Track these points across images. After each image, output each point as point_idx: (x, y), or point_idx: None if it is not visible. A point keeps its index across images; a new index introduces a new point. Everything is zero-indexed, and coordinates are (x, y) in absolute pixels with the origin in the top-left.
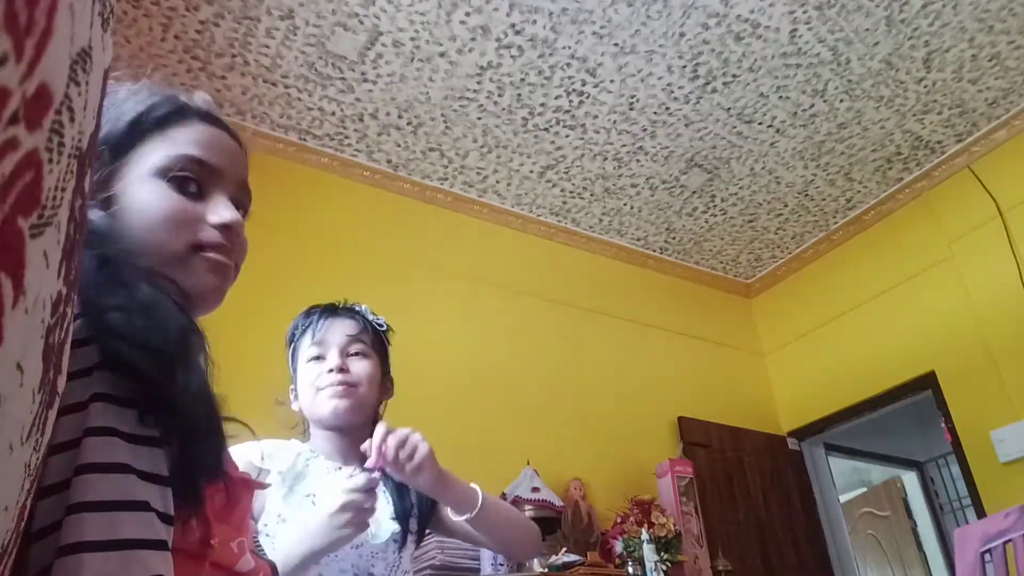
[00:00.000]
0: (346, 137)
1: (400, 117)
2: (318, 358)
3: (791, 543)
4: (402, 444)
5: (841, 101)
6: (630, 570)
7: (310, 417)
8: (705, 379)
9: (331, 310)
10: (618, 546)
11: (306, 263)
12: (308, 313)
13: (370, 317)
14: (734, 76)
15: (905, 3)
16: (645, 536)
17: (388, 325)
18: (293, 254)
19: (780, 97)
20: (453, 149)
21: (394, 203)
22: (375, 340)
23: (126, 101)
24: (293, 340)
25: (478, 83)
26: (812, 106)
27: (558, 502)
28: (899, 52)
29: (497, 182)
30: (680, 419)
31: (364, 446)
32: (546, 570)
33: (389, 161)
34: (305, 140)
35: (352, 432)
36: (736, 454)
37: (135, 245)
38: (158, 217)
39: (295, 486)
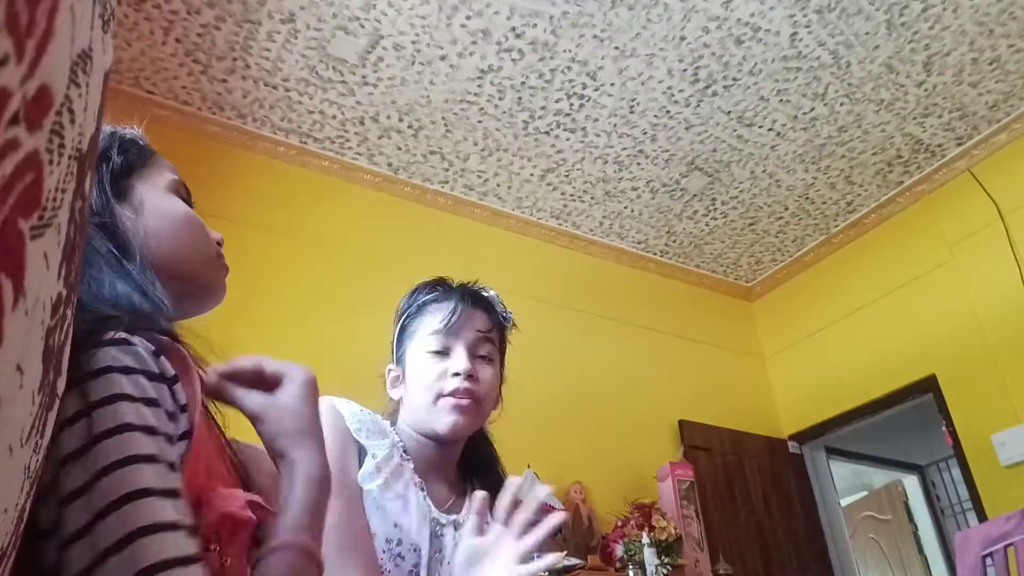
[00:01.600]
0: (347, 140)
1: (401, 120)
2: (441, 353)
3: (792, 547)
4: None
5: (841, 104)
6: (631, 574)
7: (414, 419)
8: (706, 382)
9: (462, 294)
10: (619, 550)
11: (306, 266)
12: (433, 288)
13: (499, 308)
14: (734, 79)
15: (905, 7)
16: (646, 540)
17: (513, 320)
18: (293, 257)
19: (780, 100)
20: (454, 152)
21: (394, 206)
22: (501, 339)
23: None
24: (407, 316)
25: (479, 86)
26: (812, 109)
27: (559, 505)
28: (899, 55)
29: (498, 185)
30: (681, 422)
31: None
32: (546, 574)
33: (390, 164)
34: (306, 143)
35: (449, 446)
36: (737, 457)
37: (169, 256)
38: (186, 225)
39: (387, 486)
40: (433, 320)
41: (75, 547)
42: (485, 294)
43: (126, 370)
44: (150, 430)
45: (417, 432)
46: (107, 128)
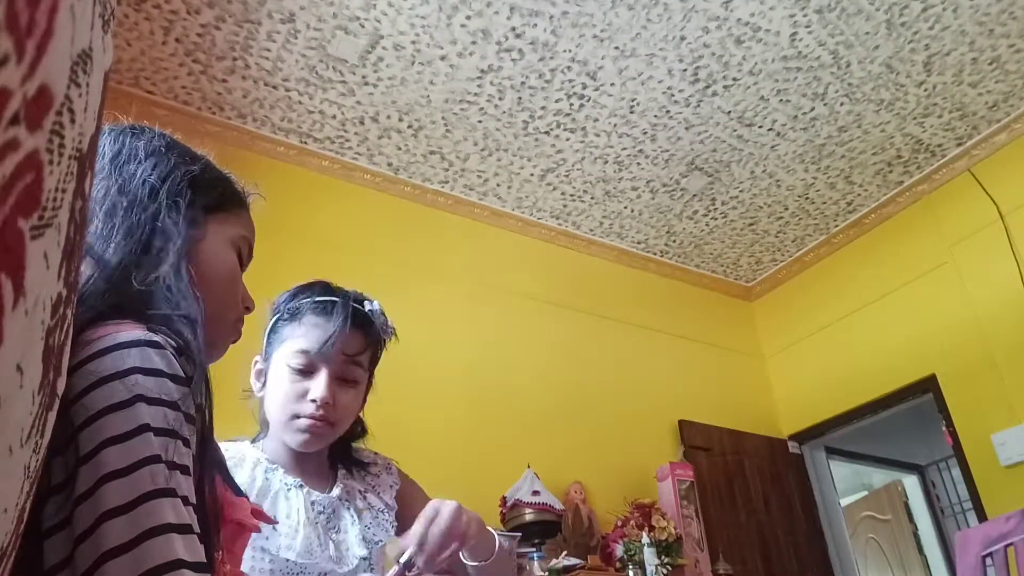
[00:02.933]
0: (347, 140)
1: (401, 120)
2: (304, 372)
3: (792, 547)
4: (444, 547)
5: (841, 104)
6: (631, 574)
7: (273, 427)
8: (706, 382)
9: (343, 317)
10: (619, 549)
11: (306, 266)
12: (315, 300)
13: (378, 325)
14: (734, 79)
15: (905, 7)
16: (646, 539)
17: (394, 331)
18: (293, 257)
19: (780, 100)
20: (454, 152)
21: (394, 206)
22: (372, 357)
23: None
24: (280, 319)
25: (479, 86)
26: (812, 109)
27: (559, 505)
28: (899, 55)
29: (497, 185)
30: (681, 422)
31: (402, 547)
32: (546, 574)
33: (390, 164)
34: (306, 143)
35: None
36: (737, 457)
37: (205, 298)
38: (227, 284)
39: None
40: (304, 336)
41: (81, 546)
42: (368, 310)
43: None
44: (172, 433)
45: (276, 437)
46: (209, 158)
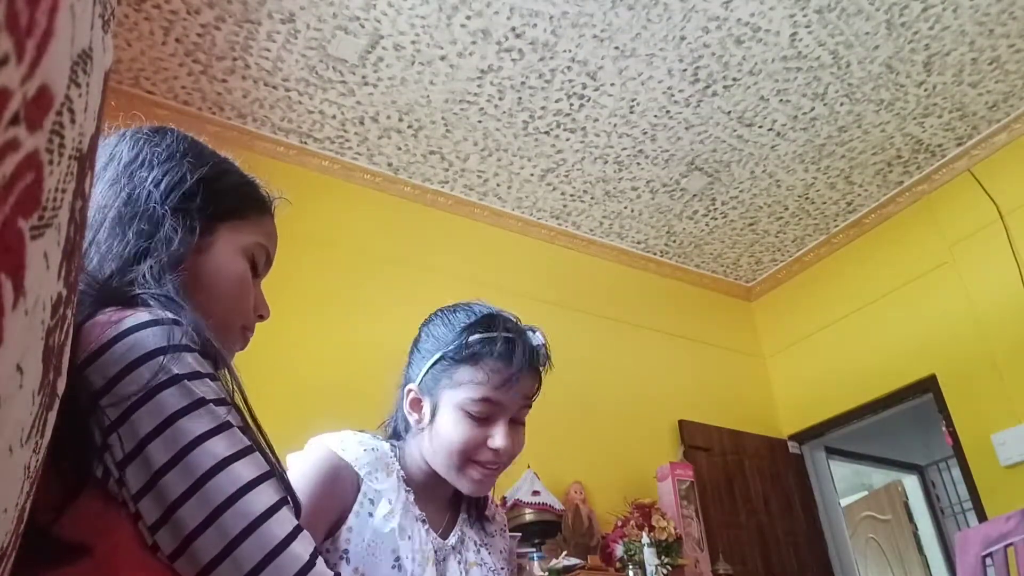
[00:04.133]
0: (347, 140)
1: (401, 120)
2: (480, 419)
3: (792, 547)
4: None
5: (841, 104)
6: (631, 574)
7: (432, 460)
8: (706, 382)
9: (523, 357)
10: (619, 549)
11: (306, 266)
12: (489, 336)
13: (544, 358)
14: (734, 79)
15: (905, 7)
16: (646, 540)
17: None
18: (293, 257)
19: (780, 100)
20: (454, 152)
21: (394, 206)
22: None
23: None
24: (450, 357)
25: (479, 86)
26: (812, 109)
27: (558, 505)
28: (899, 55)
29: (498, 185)
30: (681, 422)
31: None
32: (546, 574)
33: (390, 164)
34: (306, 143)
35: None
36: (737, 457)
37: (203, 308)
38: (233, 292)
39: (403, 519)
40: (486, 383)
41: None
42: (537, 344)
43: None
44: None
45: (428, 467)
46: (231, 163)
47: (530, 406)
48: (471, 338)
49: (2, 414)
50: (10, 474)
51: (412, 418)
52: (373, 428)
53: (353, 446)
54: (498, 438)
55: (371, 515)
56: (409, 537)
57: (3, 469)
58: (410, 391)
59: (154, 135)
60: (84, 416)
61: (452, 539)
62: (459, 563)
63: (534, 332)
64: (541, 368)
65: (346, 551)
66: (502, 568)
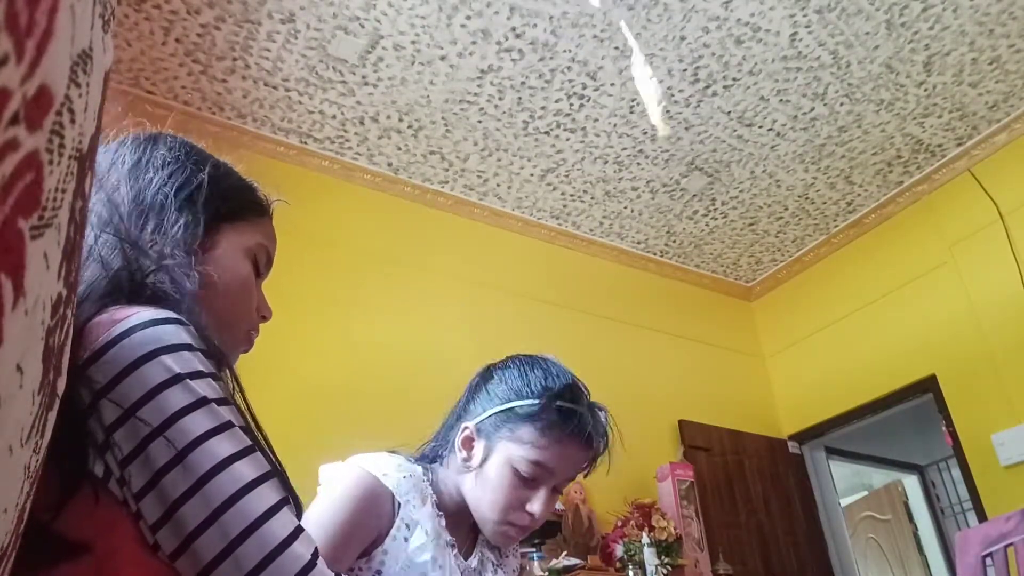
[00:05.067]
0: (347, 140)
1: (401, 120)
2: (528, 480)
3: (792, 547)
4: None
5: (841, 104)
6: (631, 574)
7: (469, 498)
8: (706, 382)
9: (594, 444)
10: (619, 550)
11: (306, 266)
12: (571, 410)
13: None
14: (734, 80)
15: (905, 7)
16: (646, 540)
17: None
18: (293, 257)
19: (780, 100)
20: (454, 152)
21: (394, 206)
22: None
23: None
24: (521, 409)
25: (479, 86)
26: (812, 109)
27: (559, 505)
28: (899, 56)
29: (498, 185)
30: (681, 422)
31: None
32: (546, 574)
33: (390, 164)
34: (306, 143)
35: None
36: (737, 457)
37: (209, 308)
38: (239, 293)
39: (435, 548)
40: (544, 447)
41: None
42: (602, 424)
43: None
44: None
45: (461, 498)
46: (232, 164)
47: (574, 479)
48: (549, 405)
49: (2, 414)
50: (10, 474)
51: (460, 455)
52: (372, 428)
53: (392, 471)
54: (537, 504)
55: (407, 540)
56: (441, 567)
57: (3, 469)
58: (465, 428)
59: (154, 139)
60: (86, 415)
61: (473, 561)
62: None
63: (602, 411)
64: (597, 449)
65: (379, 572)
66: None
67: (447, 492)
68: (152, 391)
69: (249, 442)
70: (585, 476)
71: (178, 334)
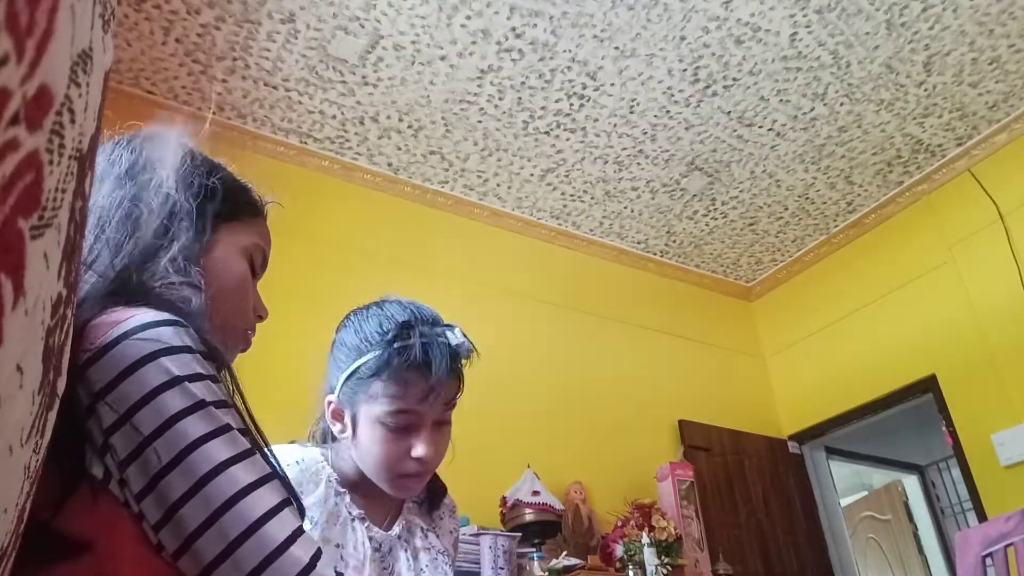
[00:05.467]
0: (347, 140)
1: (401, 120)
2: (402, 429)
3: (792, 547)
4: None
5: (841, 104)
6: (631, 574)
7: (361, 462)
8: (706, 382)
9: (440, 365)
10: (619, 550)
11: (306, 266)
12: (404, 346)
13: (466, 356)
14: (734, 79)
15: (905, 7)
16: (646, 540)
17: (476, 350)
18: (293, 257)
19: (780, 100)
20: (453, 152)
21: (394, 206)
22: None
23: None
24: (363, 367)
25: (479, 86)
26: (812, 109)
27: (559, 505)
28: (899, 56)
29: (497, 185)
30: (681, 422)
31: None
32: (546, 574)
33: (390, 164)
34: (306, 143)
35: None
36: (737, 457)
37: (213, 304)
38: (236, 292)
39: (327, 531)
40: (399, 394)
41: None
42: (456, 344)
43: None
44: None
45: (355, 469)
46: (227, 165)
47: (453, 407)
48: (384, 353)
49: (2, 414)
50: (10, 474)
51: (335, 428)
52: None
53: (282, 458)
54: (419, 447)
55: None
56: (338, 545)
57: (3, 469)
58: (330, 402)
59: (152, 139)
60: (85, 416)
61: (396, 529)
62: (406, 551)
63: (452, 330)
64: (460, 369)
65: None
66: (449, 547)
67: (349, 466)
68: (150, 394)
69: (248, 445)
70: (457, 397)
71: (177, 336)
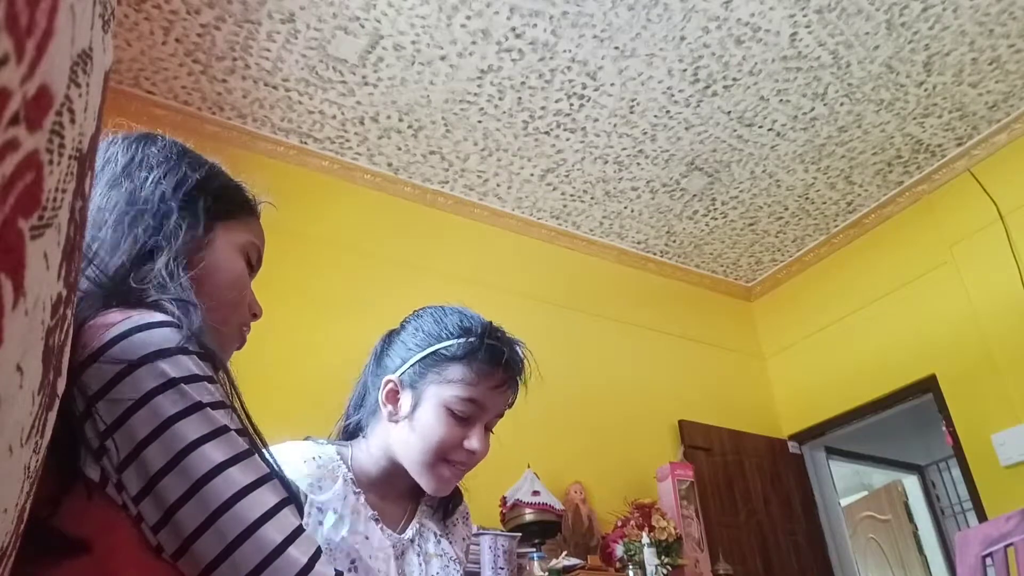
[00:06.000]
0: (347, 140)
1: (401, 120)
2: (463, 419)
3: (792, 547)
4: None
5: (841, 104)
6: (631, 574)
7: (399, 452)
8: (706, 382)
9: (507, 363)
10: (619, 550)
11: (306, 266)
12: (490, 346)
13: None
14: (734, 79)
15: (905, 7)
16: (646, 540)
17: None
18: (293, 257)
19: (780, 100)
20: (454, 152)
21: (394, 206)
22: None
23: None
24: (447, 353)
25: (479, 86)
26: (812, 109)
27: (559, 505)
28: (899, 55)
29: (498, 185)
30: (681, 422)
31: None
32: (546, 574)
33: (390, 164)
34: (306, 143)
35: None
36: (737, 457)
37: (206, 305)
38: (234, 290)
39: (355, 523)
40: (474, 382)
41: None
42: (521, 359)
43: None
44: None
45: (390, 459)
46: (220, 166)
47: (503, 415)
48: (475, 341)
49: (2, 414)
50: (10, 474)
51: (387, 410)
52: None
53: (294, 461)
54: (475, 440)
55: (320, 524)
56: (367, 538)
57: (3, 469)
58: (389, 382)
59: (146, 138)
60: (81, 419)
61: (409, 532)
62: (418, 555)
63: (519, 346)
64: (520, 380)
65: None
66: (461, 555)
67: (370, 462)
68: (145, 396)
69: (245, 446)
70: (510, 406)
71: (173, 337)
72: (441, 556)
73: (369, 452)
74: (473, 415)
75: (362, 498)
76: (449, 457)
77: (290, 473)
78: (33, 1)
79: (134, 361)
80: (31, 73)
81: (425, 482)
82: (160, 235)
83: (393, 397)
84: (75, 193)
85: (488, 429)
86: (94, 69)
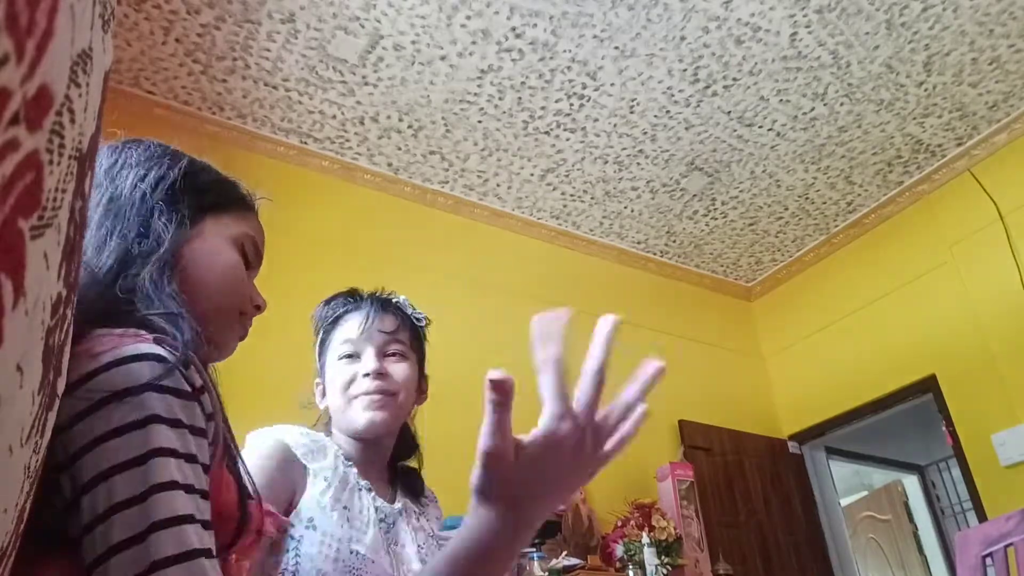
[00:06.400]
0: (347, 140)
1: (401, 120)
2: (351, 357)
3: (792, 547)
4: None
5: (841, 104)
6: (631, 574)
7: (338, 423)
8: (706, 382)
9: (371, 302)
10: (619, 550)
11: (306, 266)
12: (345, 300)
13: (409, 311)
14: (734, 79)
15: (905, 7)
16: (646, 540)
17: (428, 319)
18: (293, 257)
19: (780, 100)
20: (454, 152)
21: (395, 206)
22: (413, 338)
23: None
24: (320, 331)
25: (479, 86)
26: (812, 109)
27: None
28: (899, 55)
29: (498, 185)
30: (681, 422)
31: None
32: (546, 574)
33: (390, 164)
34: (306, 143)
35: (379, 443)
36: (737, 457)
37: (199, 296)
38: (226, 277)
39: (339, 493)
40: (345, 329)
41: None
42: (388, 297)
43: (160, 388)
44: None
45: (347, 435)
46: (208, 162)
47: (398, 341)
48: (332, 308)
49: (2, 414)
50: (10, 474)
51: (322, 404)
52: None
53: (293, 434)
54: (365, 364)
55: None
56: (346, 508)
57: (3, 469)
58: (317, 383)
59: (129, 143)
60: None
61: (398, 505)
62: (408, 526)
63: (393, 294)
64: (397, 312)
65: (311, 519)
66: (438, 532)
67: (347, 445)
68: (97, 439)
69: (184, 511)
70: (399, 332)
71: (152, 371)
72: (423, 531)
73: (339, 436)
74: (358, 350)
75: (353, 469)
76: (355, 392)
77: (290, 440)
78: (33, 1)
79: (97, 401)
80: (31, 73)
81: (354, 423)
82: (146, 233)
83: (322, 392)
84: (75, 193)
85: (392, 355)
86: (94, 69)
